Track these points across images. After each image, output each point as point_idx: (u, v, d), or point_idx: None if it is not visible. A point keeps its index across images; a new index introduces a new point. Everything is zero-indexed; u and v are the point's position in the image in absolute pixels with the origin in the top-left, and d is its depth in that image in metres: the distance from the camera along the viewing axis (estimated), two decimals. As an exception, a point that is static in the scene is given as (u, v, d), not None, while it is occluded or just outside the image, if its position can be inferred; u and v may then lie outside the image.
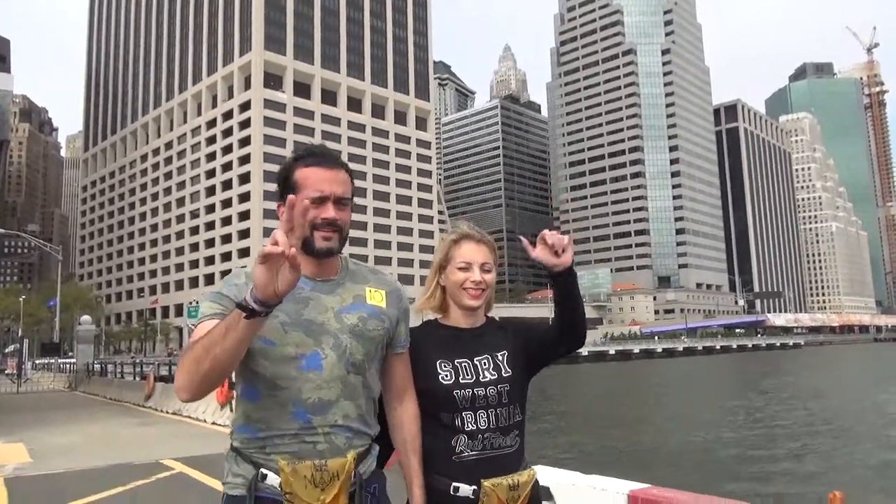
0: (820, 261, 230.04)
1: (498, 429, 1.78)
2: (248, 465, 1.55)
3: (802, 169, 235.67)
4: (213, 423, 12.24)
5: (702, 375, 50.63)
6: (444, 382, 1.79)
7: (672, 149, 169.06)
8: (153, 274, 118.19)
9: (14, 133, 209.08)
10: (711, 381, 44.90)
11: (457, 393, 1.78)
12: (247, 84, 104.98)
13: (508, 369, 1.84)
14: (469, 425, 1.77)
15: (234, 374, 1.59)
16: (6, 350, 59.65)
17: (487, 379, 1.80)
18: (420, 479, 1.73)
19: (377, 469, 1.70)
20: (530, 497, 1.79)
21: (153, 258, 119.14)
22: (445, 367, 1.81)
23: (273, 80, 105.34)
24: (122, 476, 7.20)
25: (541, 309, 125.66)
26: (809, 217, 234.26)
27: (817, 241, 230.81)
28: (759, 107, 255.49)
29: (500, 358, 1.85)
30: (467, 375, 1.80)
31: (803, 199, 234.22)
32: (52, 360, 40.80)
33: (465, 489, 1.72)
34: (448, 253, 1.92)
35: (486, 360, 1.84)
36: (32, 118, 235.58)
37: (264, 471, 1.53)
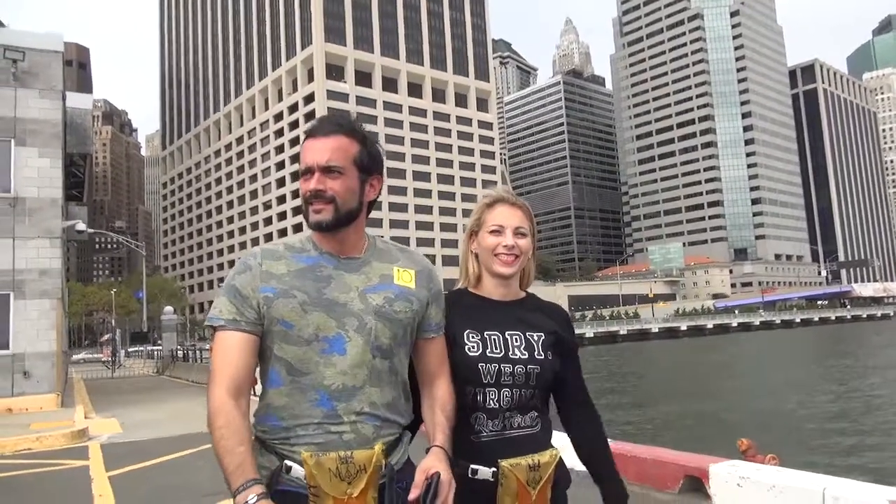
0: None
1: (518, 407, 1.67)
2: (272, 456, 1.45)
3: (890, 129, 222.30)
4: (277, 400, 13.52)
5: (775, 350, 49.48)
6: (471, 354, 1.66)
7: (745, 115, 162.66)
8: (231, 264, 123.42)
9: (98, 136, 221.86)
10: (785, 355, 43.92)
11: (482, 366, 1.65)
12: (310, 76, 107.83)
13: (542, 352, 1.70)
14: (491, 402, 1.65)
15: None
16: (101, 339, 64.41)
17: (517, 357, 1.67)
18: (446, 431, 1.56)
19: (409, 463, 1.57)
20: (554, 479, 1.66)
21: (230, 249, 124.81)
22: (473, 337, 1.68)
23: (335, 70, 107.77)
24: (194, 441, 8.43)
25: (611, 286, 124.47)
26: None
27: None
28: (840, 66, 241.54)
29: (534, 338, 1.71)
30: (496, 349, 1.67)
31: (892, 161, 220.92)
32: (142, 348, 44.10)
33: (485, 471, 1.60)
34: (481, 217, 1.79)
35: (517, 337, 1.70)
36: (114, 120, 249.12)
37: (289, 462, 1.42)
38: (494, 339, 1.69)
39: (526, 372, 1.67)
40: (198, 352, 26.49)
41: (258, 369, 1.53)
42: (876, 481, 4.05)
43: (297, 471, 1.41)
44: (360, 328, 1.48)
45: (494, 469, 1.60)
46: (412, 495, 1.39)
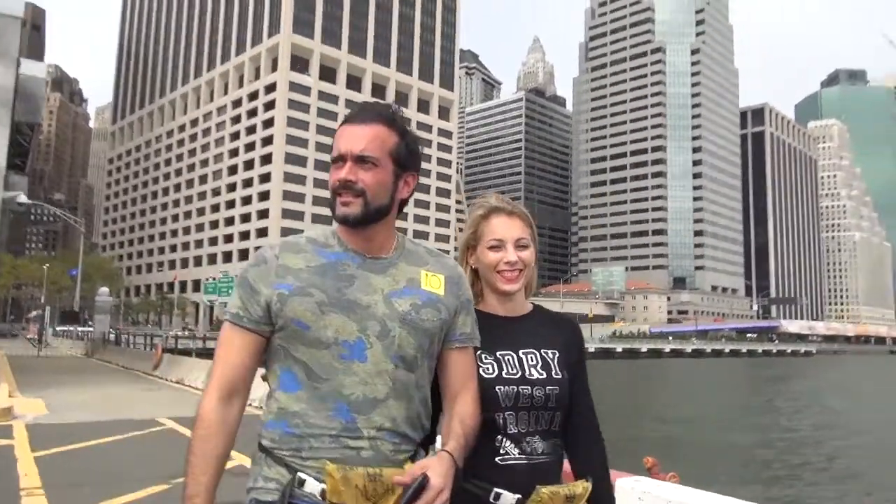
0: (840, 270, 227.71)
1: (538, 432, 1.56)
2: (281, 468, 1.34)
3: (828, 176, 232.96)
4: (211, 392, 13.50)
5: (699, 377, 51.37)
6: (486, 376, 1.54)
7: (696, 150, 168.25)
8: (173, 248, 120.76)
9: (46, 102, 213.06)
10: (706, 382, 45.70)
11: (499, 389, 1.54)
12: (273, 66, 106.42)
13: (559, 371, 1.59)
14: (511, 427, 1.54)
15: (266, 361, 1.44)
16: (28, 316, 61.91)
17: (534, 377, 1.56)
18: (460, 441, 1.40)
19: None
20: None
21: (174, 233, 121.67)
22: (487, 359, 1.57)
23: (299, 63, 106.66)
24: (121, 428, 8.45)
25: (552, 303, 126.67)
26: (832, 225, 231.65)
27: (839, 250, 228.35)
28: (789, 111, 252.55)
29: (549, 356, 1.60)
30: (512, 370, 1.56)
31: (827, 207, 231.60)
32: (72, 328, 42.59)
33: (508, 497, 1.49)
34: (477, 230, 1.67)
35: (532, 356, 1.59)
36: (63, 88, 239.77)
37: (302, 475, 1.32)
38: (509, 360, 1.58)
39: (545, 393, 1.56)
40: (131, 337, 25.93)
41: (272, 373, 1.43)
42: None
43: (312, 485, 1.32)
44: (382, 335, 1.37)
45: (519, 496, 1.48)
46: (397, 478, 1.28)
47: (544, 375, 1.56)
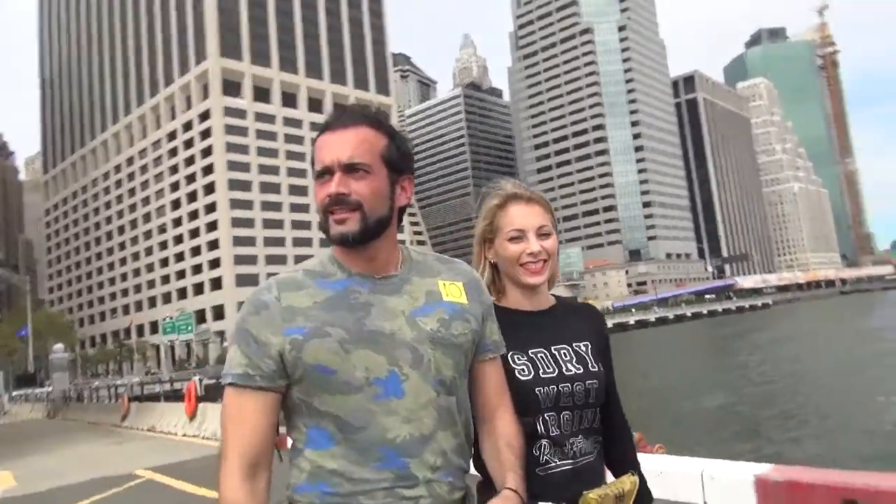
0: (784, 221, 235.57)
1: (580, 432, 1.48)
2: None
3: (762, 133, 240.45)
4: (184, 435, 13.35)
5: (663, 345, 52.54)
6: (523, 378, 1.45)
7: (634, 124, 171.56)
8: (125, 293, 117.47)
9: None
10: (670, 349, 46.79)
11: (539, 391, 1.44)
12: (205, 93, 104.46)
13: (595, 364, 1.51)
14: (553, 429, 1.45)
15: (282, 416, 1.28)
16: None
17: (572, 373, 1.47)
18: (518, 471, 1.31)
19: None
20: None
21: (123, 277, 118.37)
22: (520, 359, 1.47)
23: (231, 86, 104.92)
24: (99, 487, 8.29)
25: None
26: (772, 179, 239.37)
27: (781, 203, 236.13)
28: (719, 75, 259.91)
29: (582, 349, 1.52)
30: (548, 369, 1.47)
31: (764, 163, 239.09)
32: (30, 391, 40.94)
33: None
34: (493, 221, 1.57)
35: (565, 351, 1.51)
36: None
37: None
38: (542, 357, 1.48)
39: (585, 389, 1.47)
40: (93, 391, 25.24)
41: (296, 431, 1.27)
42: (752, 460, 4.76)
43: None
44: (415, 362, 1.22)
45: None
46: None
47: (581, 370, 1.48)
